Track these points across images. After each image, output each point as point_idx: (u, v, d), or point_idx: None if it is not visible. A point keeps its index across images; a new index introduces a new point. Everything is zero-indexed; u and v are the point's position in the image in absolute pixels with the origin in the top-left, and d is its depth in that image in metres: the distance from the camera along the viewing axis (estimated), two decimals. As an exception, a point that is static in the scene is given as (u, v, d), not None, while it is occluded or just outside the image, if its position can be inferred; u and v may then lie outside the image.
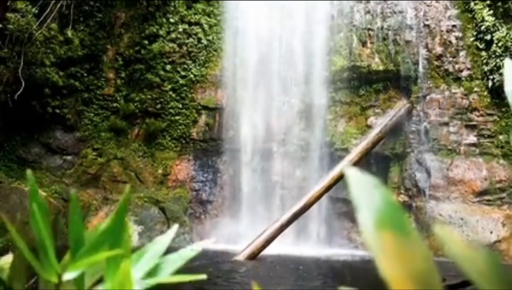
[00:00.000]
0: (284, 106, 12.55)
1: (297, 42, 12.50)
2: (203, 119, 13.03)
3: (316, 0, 12.33)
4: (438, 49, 11.76)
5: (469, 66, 11.57)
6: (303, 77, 12.42)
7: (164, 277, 0.57)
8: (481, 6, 11.48)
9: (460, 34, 11.71)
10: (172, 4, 13.27)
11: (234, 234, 11.36)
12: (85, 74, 12.88)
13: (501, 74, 11.02)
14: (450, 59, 11.68)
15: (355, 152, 11.18)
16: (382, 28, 12.14)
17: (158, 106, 13.01)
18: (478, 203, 10.82)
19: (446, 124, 11.49)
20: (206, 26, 13.23)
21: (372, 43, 12.21)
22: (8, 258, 0.63)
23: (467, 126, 11.41)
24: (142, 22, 13.14)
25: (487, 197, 10.85)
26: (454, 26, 11.77)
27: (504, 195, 10.83)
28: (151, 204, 11.80)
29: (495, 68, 11.12)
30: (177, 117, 13.02)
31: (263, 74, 12.52)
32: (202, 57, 13.14)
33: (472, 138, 11.34)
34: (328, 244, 11.63)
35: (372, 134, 11.47)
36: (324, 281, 7.07)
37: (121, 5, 13.05)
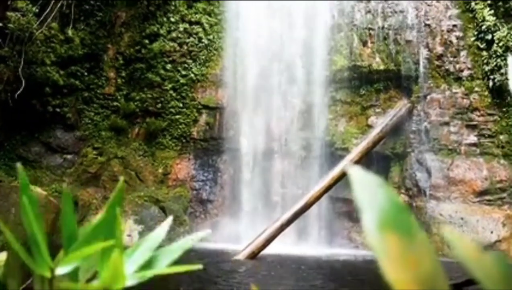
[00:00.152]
0: (284, 105, 12.54)
1: (298, 42, 12.48)
2: (203, 118, 13.03)
3: (317, 0, 12.31)
4: (439, 49, 11.75)
5: (469, 66, 11.56)
6: (303, 76, 12.40)
7: (160, 269, 0.56)
8: (482, 6, 11.47)
9: (461, 34, 11.70)
10: (173, 3, 13.27)
11: (234, 234, 11.36)
12: (86, 73, 12.88)
13: (502, 74, 11.01)
14: (451, 59, 11.67)
15: (356, 152, 11.17)
16: (383, 27, 12.13)
17: (159, 105, 13.01)
18: (479, 203, 10.81)
19: (447, 124, 11.49)
20: (206, 26, 13.23)
21: (372, 42, 12.19)
22: (3, 256, 0.62)
23: (467, 126, 11.40)
24: (143, 21, 13.13)
25: (487, 197, 10.84)
26: (455, 26, 11.76)
27: (504, 195, 10.82)
28: (151, 203, 11.80)
29: (496, 68, 11.10)
30: (177, 117, 13.02)
31: (263, 74, 12.51)
32: (203, 57, 13.14)
33: (472, 138, 11.33)
34: (328, 243, 11.62)
35: (373, 134, 11.46)
36: (324, 281, 7.06)
37: (122, 4, 13.04)
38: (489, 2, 11.45)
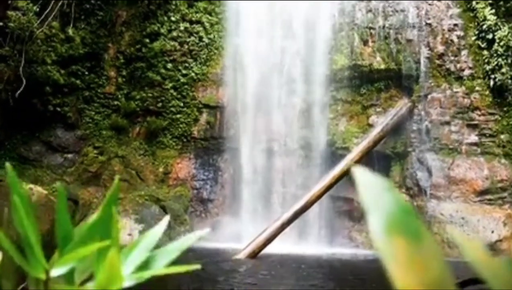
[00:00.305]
0: (285, 104, 12.53)
1: (299, 41, 12.47)
2: (204, 117, 13.02)
3: (318, 0, 12.29)
4: (440, 48, 11.73)
5: (470, 65, 11.54)
6: (304, 75, 12.39)
7: (158, 269, 0.56)
8: (483, 5, 11.45)
9: (462, 33, 11.68)
10: (174, 2, 13.26)
11: (234, 233, 11.35)
12: (86, 73, 12.87)
13: (502, 74, 10.99)
14: (452, 58, 11.66)
15: (356, 151, 11.17)
16: (383, 27, 12.11)
17: (159, 104, 13.00)
18: (479, 202, 10.81)
19: (448, 123, 11.48)
20: (207, 25, 13.22)
21: (373, 42, 12.18)
22: None
23: (468, 125, 11.39)
24: (143, 21, 13.12)
25: (488, 196, 10.84)
26: (455, 25, 11.74)
27: (505, 194, 10.82)
28: (152, 202, 11.79)
29: (496, 67, 11.09)
30: (178, 116, 13.01)
31: (264, 73, 12.49)
32: (203, 56, 13.13)
33: (473, 137, 11.32)
34: (329, 243, 11.62)
35: (374, 133, 11.45)
36: (325, 281, 7.06)
37: (122, 3, 13.04)
38: (490, 1, 11.43)
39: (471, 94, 11.44)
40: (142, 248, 0.56)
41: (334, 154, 11.91)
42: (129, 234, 10.96)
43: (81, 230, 0.56)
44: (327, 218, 11.94)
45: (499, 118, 11.27)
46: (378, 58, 12.10)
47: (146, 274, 0.54)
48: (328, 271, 7.93)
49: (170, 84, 13.02)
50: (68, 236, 0.56)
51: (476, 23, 11.54)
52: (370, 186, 0.42)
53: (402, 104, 11.87)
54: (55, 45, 12.26)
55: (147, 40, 13.01)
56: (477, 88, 11.42)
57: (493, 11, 11.29)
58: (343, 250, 10.85)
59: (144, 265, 0.55)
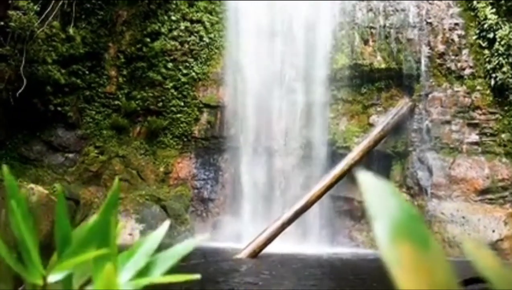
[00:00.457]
0: (285, 104, 12.53)
1: (299, 40, 12.46)
2: (204, 117, 13.02)
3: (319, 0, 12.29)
4: (441, 47, 11.72)
5: (471, 64, 11.53)
6: (304, 75, 12.39)
7: (156, 277, 0.55)
8: (484, 4, 11.44)
9: (463, 32, 11.67)
10: (174, 2, 13.25)
11: (235, 232, 11.36)
12: (87, 72, 12.87)
13: (503, 73, 10.98)
14: (453, 57, 11.65)
15: (357, 150, 11.16)
16: (384, 26, 12.10)
17: (160, 104, 13.00)
18: (480, 202, 10.80)
19: (448, 122, 11.47)
20: (208, 24, 13.21)
21: (374, 41, 12.17)
22: None
23: (469, 124, 11.38)
24: (144, 20, 13.12)
25: (489, 196, 10.83)
26: (456, 24, 11.73)
27: (506, 193, 10.81)
28: (153, 202, 11.80)
29: (497, 66, 11.08)
30: (178, 115, 13.01)
31: (264, 72, 12.48)
32: (204, 55, 13.12)
33: (474, 136, 11.31)
34: (329, 242, 11.62)
35: (374, 132, 11.45)
36: (325, 280, 7.06)
37: (123, 3, 13.03)
38: (491, 0, 11.42)
39: (472, 93, 11.43)
40: (142, 254, 0.55)
41: (335, 153, 11.90)
42: (130, 234, 10.96)
43: (79, 234, 0.56)
44: (328, 218, 11.93)
45: (500, 117, 11.26)
46: (379, 58, 12.09)
47: (144, 281, 0.54)
48: (329, 271, 7.93)
49: (171, 84, 13.02)
50: (67, 239, 0.55)
51: (477, 22, 11.52)
52: (375, 191, 0.42)
53: (402, 104, 11.86)
54: (56, 45, 12.25)
55: (148, 40, 13.00)
56: (478, 87, 11.41)
57: (494, 10, 11.28)
58: (343, 250, 10.85)
59: (144, 271, 0.55)
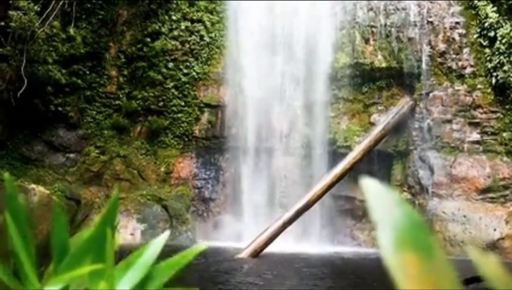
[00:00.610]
0: (286, 103, 12.52)
1: (300, 40, 12.45)
2: (205, 117, 13.02)
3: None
4: (442, 46, 11.70)
5: (472, 63, 11.51)
6: (305, 74, 12.37)
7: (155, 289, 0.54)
8: (485, 3, 11.41)
9: (464, 31, 11.65)
10: (174, 1, 13.25)
11: (236, 232, 11.36)
12: (88, 72, 12.87)
13: (504, 71, 10.96)
14: (454, 56, 11.63)
15: (358, 150, 11.15)
16: (385, 25, 12.08)
17: (161, 104, 13.00)
18: (481, 201, 10.79)
19: (449, 121, 11.45)
20: (208, 24, 13.20)
21: (375, 40, 12.15)
22: None
23: (470, 123, 11.36)
24: (144, 20, 13.11)
25: (490, 195, 10.81)
26: (457, 23, 11.71)
27: (507, 192, 10.79)
28: (154, 201, 11.80)
29: (498, 65, 11.06)
30: (179, 115, 13.00)
31: (265, 72, 12.47)
32: (205, 55, 13.12)
33: (475, 135, 11.29)
34: (330, 241, 11.62)
35: (375, 131, 11.44)
36: (327, 280, 7.06)
37: (123, 2, 13.03)
38: (492, -1, 11.40)
39: (473, 92, 11.41)
40: (140, 264, 0.54)
41: (336, 152, 11.90)
42: (132, 234, 10.98)
43: (77, 242, 0.55)
44: (329, 217, 11.93)
45: (501, 116, 11.24)
46: (380, 57, 12.08)
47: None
48: (330, 271, 7.93)
49: (172, 84, 13.01)
50: (64, 249, 0.54)
51: (478, 21, 11.50)
52: (380, 200, 0.42)
53: (403, 103, 11.85)
54: (57, 45, 12.25)
55: (148, 40, 13.00)
56: (479, 86, 11.39)
57: (495, 8, 11.26)
58: (345, 249, 10.85)
59: (143, 281, 0.54)
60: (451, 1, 11.90)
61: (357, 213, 11.88)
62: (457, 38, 11.66)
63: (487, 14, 11.26)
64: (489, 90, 11.30)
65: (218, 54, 13.15)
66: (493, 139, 11.21)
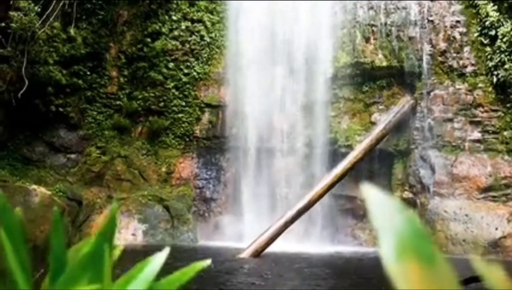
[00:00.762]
0: (287, 103, 12.51)
1: (300, 39, 12.44)
2: (206, 117, 13.02)
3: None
4: (442, 45, 11.69)
5: (473, 62, 11.50)
6: (306, 73, 12.37)
7: None
8: (485, 2, 11.40)
9: (464, 30, 11.63)
10: (175, 1, 13.24)
11: (237, 232, 11.36)
12: (88, 73, 12.87)
13: (505, 70, 10.95)
14: (454, 55, 11.61)
15: (359, 149, 11.14)
16: (385, 24, 12.07)
17: (161, 104, 13.00)
18: (483, 199, 10.78)
19: (450, 120, 11.44)
20: (208, 24, 13.20)
21: (375, 39, 12.14)
22: None
23: (471, 122, 11.35)
24: (145, 20, 13.11)
25: (492, 193, 10.80)
26: (458, 21, 11.69)
27: (509, 191, 10.78)
28: (155, 202, 11.80)
29: (499, 63, 11.04)
30: (180, 115, 13.01)
31: (266, 72, 12.47)
32: (205, 55, 13.12)
33: (476, 134, 11.28)
34: (331, 241, 11.61)
35: (376, 131, 11.43)
36: (329, 279, 7.05)
37: (124, 3, 13.03)
38: (492, -3, 11.38)
39: (474, 91, 11.40)
40: (141, 280, 0.53)
41: (337, 152, 11.89)
42: (133, 234, 10.98)
43: (74, 255, 0.54)
44: (330, 216, 11.93)
45: (502, 114, 11.23)
46: (380, 56, 12.06)
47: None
48: (332, 270, 7.92)
49: (172, 84, 13.01)
50: (61, 264, 0.53)
51: (478, 20, 11.48)
52: (382, 207, 0.41)
53: (404, 102, 11.84)
54: (57, 45, 12.26)
55: (149, 40, 13.00)
56: (480, 85, 11.38)
57: (496, 7, 11.24)
58: (346, 248, 10.84)
59: None
60: (452, 0, 11.88)
61: (358, 212, 11.87)
62: (457, 37, 11.64)
63: (487, 13, 11.24)
64: (490, 89, 11.29)
65: (218, 54, 13.15)
66: (494, 138, 11.20)
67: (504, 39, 10.96)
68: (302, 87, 12.41)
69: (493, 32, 11.17)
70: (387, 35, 12.07)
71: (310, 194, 10.28)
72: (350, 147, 11.71)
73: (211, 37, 13.17)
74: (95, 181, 12.37)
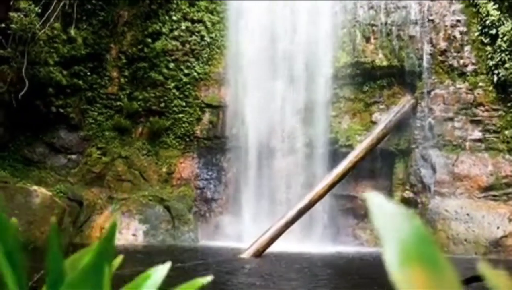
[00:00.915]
0: (287, 103, 12.51)
1: (301, 39, 12.44)
2: (206, 117, 13.01)
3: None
4: (443, 44, 11.68)
5: (473, 61, 11.49)
6: (306, 73, 12.36)
7: None
8: (486, 1, 11.39)
9: (465, 29, 11.62)
10: (175, 1, 13.24)
11: (238, 232, 11.36)
12: (89, 73, 12.87)
13: (506, 69, 10.94)
14: (455, 54, 11.60)
15: (360, 148, 11.14)
16: (385, 23, 12.06)
17: (162, 104, 13.00)
18: (484, 199, 10.77)
19: (451, 119, 11.43)
20: (209, 24, 13.19)
21: (375, 39, 12.13)
22: None
23: (472, 121, 11.34)
24: (145, 20, 13.11)
25: (493, 192, 10.79)
26: (458, 21, 11.68)
27: (510, 190, 10.77)
28: (156, 202, 11.80)
29: (500, 62, 11.03)
30: (180, 115, 13.00)
31: (266, 72, 12.47)
32: (205, 55, 13.11)
33: (477, 133, 11.27)
34: (333, 241, 11.61)
35: (377, 130, 11.42)
36: (330, 280, 7.05)
37: (124, 3, 13.02)
38: (493, -4, 11.37)
39: (474, 90, 11.39)
40: None
41: (337, 151, 11.88)
42: (134, 234, 10.98)
43: (72, 267, 0.53)
44: (331, 216, 11.92)
45: (503, 114, 11.22)
46: (381, 55, 12.06)
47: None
48: (333, 270, 7.92)
49: (173, 84, 13.01)
50: (59, 277, 0.51)
51: (479, 19, 11.47)
52: (385, 213, 0.41)
53: (405, 101, 11.83)
54: (57, 46, 12.26)
55: (149, 40, 13.00)
56: (480, 84, 11.37)
57: (496, 6, 11.23)
58: (347, 248, 10.84)
59: None
60: (452, -1, 11.88)
61: (359, 212, 11.87)
62: (458, 36, 11.63)
63: (488, 12, 11.23)
64: (490, 88, 11.28)
65: (218, 54, 13.14)
66: (495, 137, 11.19)
67: (505, 38, 10.95)
68: (303, 87, 12.40)
69: (493, 31, 11.16)
70: (388, 34, 12.06)
71: (311, 193, 10.28)
72: (350, 147, 11.70)
73: (211, 37, 13.17)
74: (96, 181, 12.37)
